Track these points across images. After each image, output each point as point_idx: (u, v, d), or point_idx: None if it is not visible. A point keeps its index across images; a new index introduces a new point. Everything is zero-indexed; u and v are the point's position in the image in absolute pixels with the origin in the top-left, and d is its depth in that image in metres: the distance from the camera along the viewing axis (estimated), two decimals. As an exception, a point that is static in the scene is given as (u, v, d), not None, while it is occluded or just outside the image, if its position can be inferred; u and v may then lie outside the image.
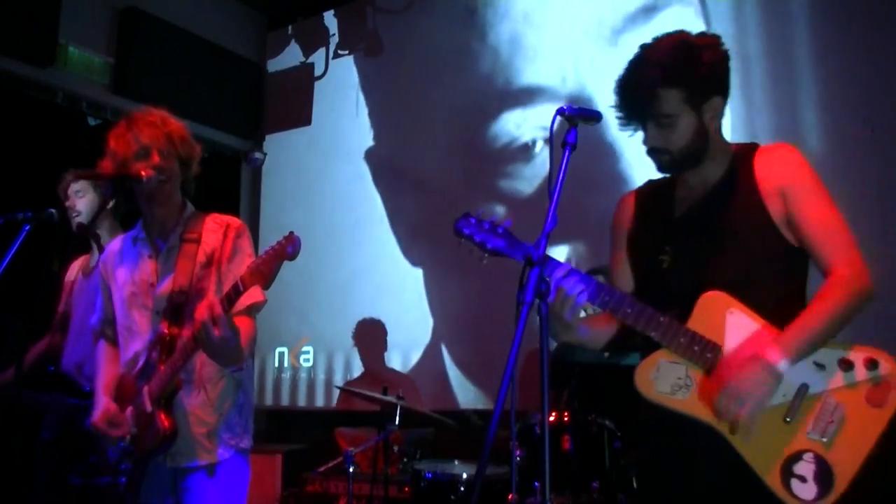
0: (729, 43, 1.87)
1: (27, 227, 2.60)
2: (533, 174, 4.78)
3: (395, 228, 5.27)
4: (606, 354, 1.88)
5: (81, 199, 3.05)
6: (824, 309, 1.71)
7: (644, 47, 1.84)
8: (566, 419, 3.11)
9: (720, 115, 1.86)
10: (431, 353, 4.97)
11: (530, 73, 4.89)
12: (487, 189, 4.90)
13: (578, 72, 4.67)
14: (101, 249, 3.12)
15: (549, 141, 1.70)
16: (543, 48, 4.87)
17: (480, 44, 5.10)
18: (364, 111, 5.54)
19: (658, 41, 1.83)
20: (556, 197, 1.61)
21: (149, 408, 2.12)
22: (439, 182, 5.11)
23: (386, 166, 5.40)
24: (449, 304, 4.95)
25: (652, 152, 1.87)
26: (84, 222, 3.01)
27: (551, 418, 3.07)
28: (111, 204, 3.05)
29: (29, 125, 4.45)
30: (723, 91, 1.85)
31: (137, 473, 2.14)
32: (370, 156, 5.47)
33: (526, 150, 4.82)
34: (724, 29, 4.12)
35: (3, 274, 2.47)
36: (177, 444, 2.13)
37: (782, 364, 1.65)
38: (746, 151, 1.89)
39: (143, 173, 2.17)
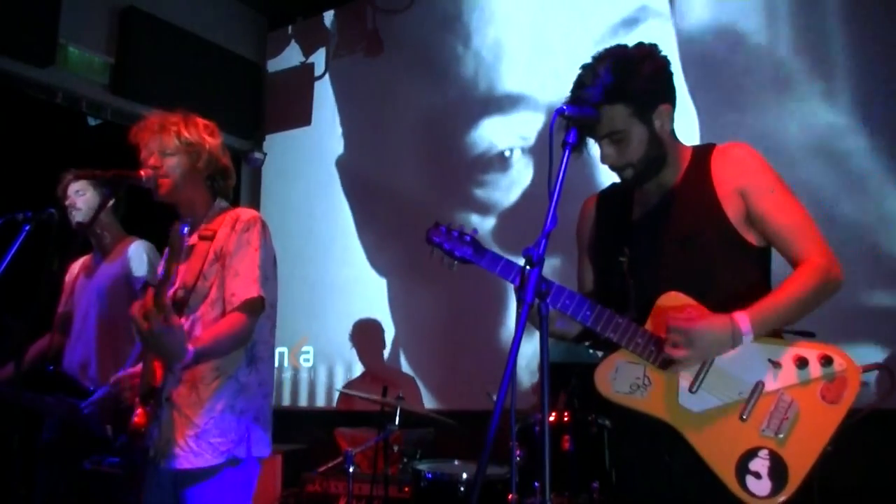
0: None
1: (27, 227, 2.60)
2: (509, 183, 4.80)
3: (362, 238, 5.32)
4: (600, 354, 1.91)
5: (81, 199, 3.05)
6: (794, 290, 1.74)
7: (585, 68, 1.85)
8: (566, 419, 3.11)
9: (670, 120, 1.88)
10: (430, 352, 4.97)
11: (511, 80, 4.90)
12: (465, 197, 4.92)
13: (559, 80, 4.67)
14: (102, 249, 3.13)
15: (549, 141, 1.70)
16: (525, 55, 4.88)
17: (464, 48, 5.12)
18: (364, 111, 5.53)
19: (597, 60, 1.84)
20: (556, 197, 1.61)
21: (135, 400, 2.10)
22: (422, 187, 5.14)
23: (370, 168, 5.42)
24: (425, 308, 4.96)
25: (614, 169, 1.90)
26: (84, 222, 3.01)
27: (551, 418, 3.07)
28: (111, 203, 3.06)
29: (29, 125, 4.45)
30: (668, 98, 1.87)
31: (131, 468, 2.11)
32: (341, 161, 5.53)
33: (502, 160, 4.84)
34: (697, 38, 4.19)
35: (3, 274, 2.47)
36: (168, 445, 2.10)
37: (747, 337, 1.70)
38: (702, 153, 1.91)
39: (140, 173, 2.21)
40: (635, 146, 1.83)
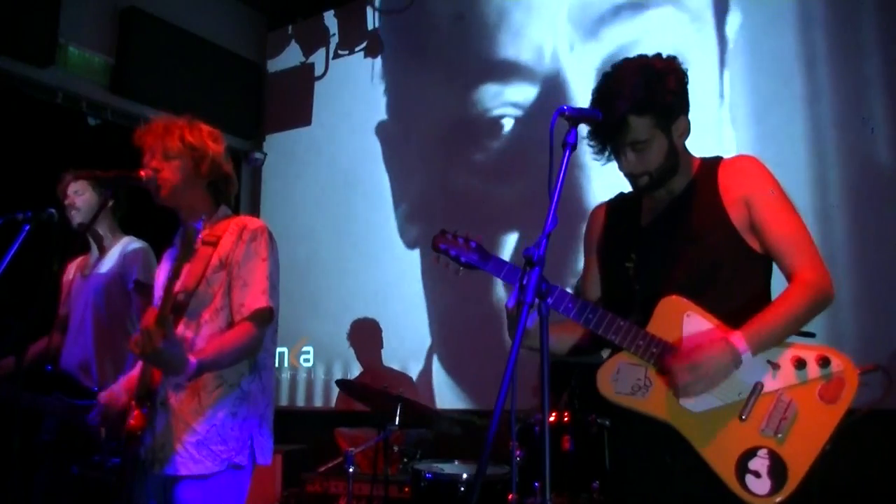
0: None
1: (27, 227, 2.60)
2: (500, 147, 4.85)
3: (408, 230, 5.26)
4: (605, 354, 1.93)
5: (81, 199, 3.06)
6: (787, 308, 1.77)
7: (609, 77, 1.89)
8: (566, 419, 3.12)
9: (687, 132, 1.94)
10: (428, 353, 4.97)
11: (512, 50, 4.92)
12: (470, 170, 4.97)
13: (557, 56, 4.70)
14: (101, 249, 3.13)
15: (549, 141, 1.70)
16: (528, 27, 4.88)
17: (471, 17, 5.13)
18: (364, 111, 5.53)
19: (621, 70, 1.88)
20: (556, 198, 1.61)
21: (131, 403, 2.10)
22: (436, 179, 5.13)
23: (382, 166, 5.40)
24: (445, 302, 4.95)
25: (630, 177, 1.94)
26: (84, 222, 3.02)
27: (551, 418, 3.07)
28: (110, 204, 3.07)
29: (29, 125, 4.45)
30: (686, 110, 1.93)
31: (122, 470, 2.08)
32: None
33: (495, 124, 4.87)
34: (711, 34, 4.15)
35: (3, 274, 2.47)
36: (164, 450, 2.08)
37: (745, 354, 1.72)
38: (711, 164, 1.97)
39: (141, 173, 2.21)
40: (655, 155, 1.88)
